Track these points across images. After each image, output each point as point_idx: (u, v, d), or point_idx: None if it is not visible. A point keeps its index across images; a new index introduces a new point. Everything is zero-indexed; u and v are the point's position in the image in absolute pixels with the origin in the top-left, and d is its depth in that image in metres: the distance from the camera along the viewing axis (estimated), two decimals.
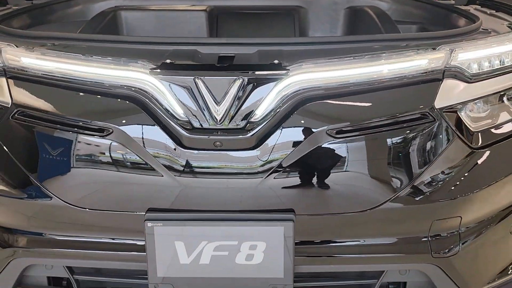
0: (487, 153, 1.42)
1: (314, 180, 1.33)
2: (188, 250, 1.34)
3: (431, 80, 1.37)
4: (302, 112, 1.31)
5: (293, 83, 1.31)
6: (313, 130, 1.31)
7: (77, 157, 1.35)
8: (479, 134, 1.43)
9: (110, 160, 1.34)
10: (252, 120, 1.31)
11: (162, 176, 1.33)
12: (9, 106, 1.38)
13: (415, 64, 1.36)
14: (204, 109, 1.30)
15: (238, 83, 1.29)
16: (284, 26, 2.18)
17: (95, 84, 1.35)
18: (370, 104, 1.35)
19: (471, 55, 1.42)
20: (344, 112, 1.34)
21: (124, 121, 1.32)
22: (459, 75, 1.40)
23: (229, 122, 1.30)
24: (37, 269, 1.48)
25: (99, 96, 1.36)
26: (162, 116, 1.31)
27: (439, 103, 1.36)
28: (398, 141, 1.34)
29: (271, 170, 1.31)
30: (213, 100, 1.30)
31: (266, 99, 1.30)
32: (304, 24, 2.26)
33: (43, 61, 1.39)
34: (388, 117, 1.33)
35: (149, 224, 1.33)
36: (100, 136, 1.33)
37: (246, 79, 1.29)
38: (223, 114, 1.30)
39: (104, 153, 1.34)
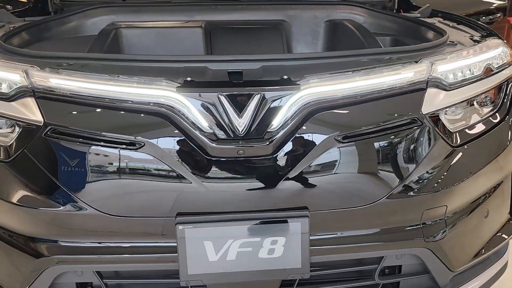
0: (465, 150, 1.67)
1: (325, 180, 1.52)
2: (216, 248, 1.50)
3: (417, 90, 1.60)
4: (312, 121, 1.50)
5: (303, 96, 1.49)
6: (322, 136, 1.50)
7: (110, 169, 1.47)
8: (457, 134, 1.67)
9: (142, 171, 1.47)
10: (269, 130, 1.48)
11: (191, 183, 1.47)
12: (42, 124, 1.48)
13: (404, 77, 1.58)
14: (227, 122, 1.46)
15: (256, 98, 1.46)
16: (273, 39, 2.37)
17: (123, 102, 1.48)
18: (369, 112, 1.55)
19: (448, 67, 1.66)
20: (347, 120, 1.53)
21: (154, 135, 1.46)
22: (439, 84, 1.63)
23: (250, 133, 1.47)
24: (67, 276, 1.58)
25: (128, 113, 1.48)
26: (189, 129, 1.46)
27: (425, 109, 1.59)
28: (394, 143, 1.56)
29: (287, 173, 1.49)
30: (236, 114, 1.46)
31: (281, 111, 1.48)
32: (289, 36, 2.46)
33: (71, 81, 1.50)
34: (385, 123, 1.54)
35: (180, 227, 1.48)
36: (132, 149, 1.46)
37: (263, 94, 1.46)
38: (245, 126, 1.46)
39: (136, 165, 1.47)
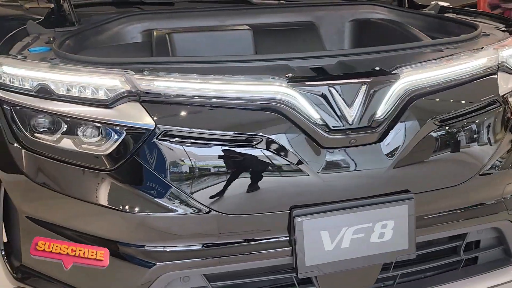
0: None
1: (426, 162, 1.60)
2: (332, 237, 1.53)
3: (492, 74, 1.73)
4: (411, 108, 1.57)
5: (402, 85, 1.57)
6: (423, 121, 1.58)
7: (227, 168, 1.47)
8: None
9: (261, 167, 1.48)
10: (375, 118, 1.54)
11: (307, 175, 1.50)
12: (153, 128, 1.45)
13: (480, 62, 1.70)
14: (338, 113, 1.50)
15: (364, 88, 1.52)
16: (310, 39, 2.43)
17: (233, 100, 1.48)
18: (458, 96, 1.66)
19: (510, 52, 1.81)
20: (442, 105, 1.63)
21: (269, 130, 1.47)
22: (505, 68, 1.77)
23: (359, 122, 1.52)
24: (174, 284, 1.55)
25: (239, 110, 1.48)
26: (303, 122, 1.48)
27: (501, 91, 1.72)
28: (482, 124, 1.67)
29: (394, 158, 1.55)
30: (346, 104, 1.51)
31: (384, 100, 1.54)
32: (321, 36, 2.55)
33: (177, 83, 1.48)
34: (473, 105, 1.66)
35: (298, 219, 1.50)
36: (249, 146, 1.46)
37: (369, 85, 1.52)
38: (354, 115, 1.52)
39: (254, 161, 1.47)
